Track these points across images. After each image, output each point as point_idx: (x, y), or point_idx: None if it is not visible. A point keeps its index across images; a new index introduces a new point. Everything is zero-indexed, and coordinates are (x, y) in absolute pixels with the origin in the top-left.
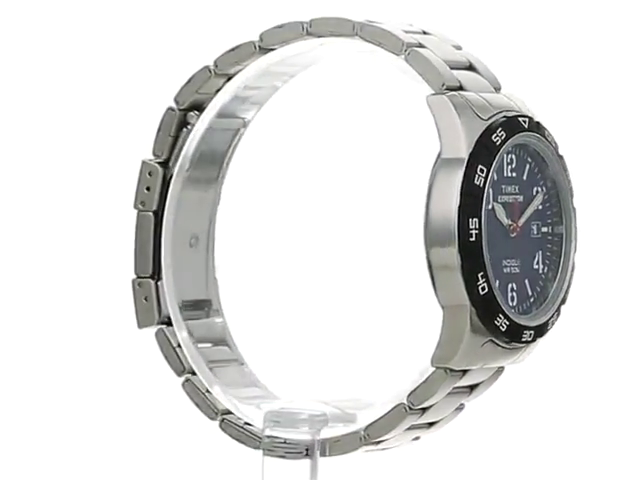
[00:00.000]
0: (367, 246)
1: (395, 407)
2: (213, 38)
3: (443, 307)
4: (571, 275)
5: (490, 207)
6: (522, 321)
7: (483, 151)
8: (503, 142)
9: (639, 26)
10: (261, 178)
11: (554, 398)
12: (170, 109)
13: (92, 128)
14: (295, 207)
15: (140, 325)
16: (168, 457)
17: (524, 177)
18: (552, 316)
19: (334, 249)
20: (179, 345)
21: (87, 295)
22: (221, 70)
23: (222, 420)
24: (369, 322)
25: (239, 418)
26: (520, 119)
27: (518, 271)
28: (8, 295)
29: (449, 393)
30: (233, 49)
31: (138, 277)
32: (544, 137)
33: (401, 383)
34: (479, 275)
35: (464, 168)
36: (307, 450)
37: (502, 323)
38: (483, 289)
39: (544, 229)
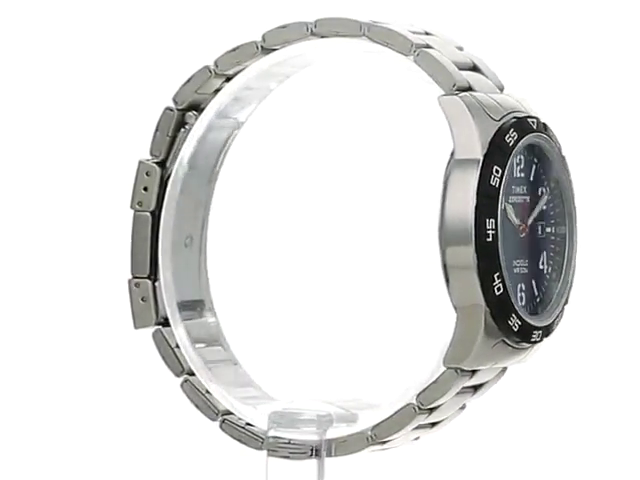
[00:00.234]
0: (373, 246)
1: (404, 407)
2: (204, 38)
3: (457, 307)
4: (573, 275)
5: (503, 207)
6: (532, 321)
7: (497, 152)
8: (515, 143)
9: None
10: (258, 178)
11: (552, 398)
12: (168, 109)
13: (85, 129)
14: (296, 208)
15: (137, 326)
16: (167, 459)
17: (531, 178)
18: (557, 316)
19: (339, 249)
20: (177, 345)
21: (78, 295)
22: (221, 70)
23: (223, 421)
24: (372, 321)
25: (240, 418)
26: (529, 120)
27: (526, 271)
28: (4, 296)
29: (457, 393)
30: (234, 49)
31: (135, 277)
32: (550, 138)
33: (408, 383)
34: (495, 275)
35: (479, 169)
36: (312, 450)
37: (515, 323)
38: (499, 289)
39: (548, 229)
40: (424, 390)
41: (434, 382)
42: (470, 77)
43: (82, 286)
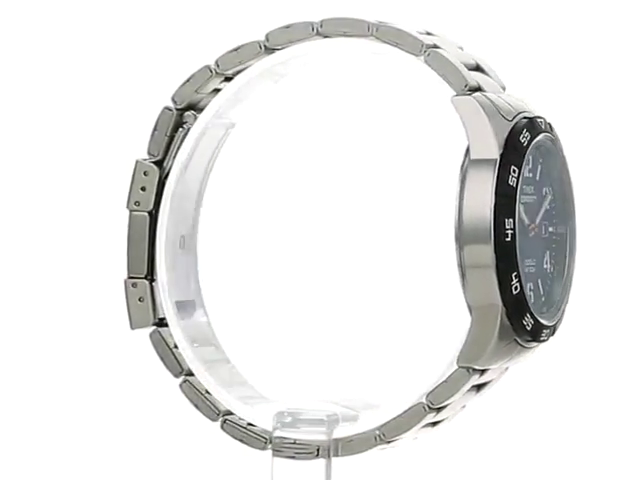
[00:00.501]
0: (378, 246)
1: (413, 406)
2: (195, 38)
3: (472, 307)
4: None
5: (518, 207)
6: (543, 320)
7: (513, 152)
8: (529, 143)
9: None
10: (252, 178)
11: (550, 397)
12: (167, 108)
13: (75, 128)
14: (304, 209)
15: (133, 326)
16: (167, 460)
17: (537, 177)
18: (561, 315)
19: (345, 248)
20: (175, 346)
21: (70, 297)
22: (223, 70)
23: (224, 421)
24: (378, 321)
25: (241, 419)
26: (538, 120)
27: (534, 271)
28: (1, 297)
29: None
30: (236, 49)
31: (131, 277)
32: (555, 138)
33: (416, 382)
34: (513, 275)
35: (497, 169)
36: (318, 450)
37: (528, 323)
38: (516, 289)
39: (550, 229)
40: (434, 389)
41: (445, 381)
42: (477, 77)
43: (73, 286)
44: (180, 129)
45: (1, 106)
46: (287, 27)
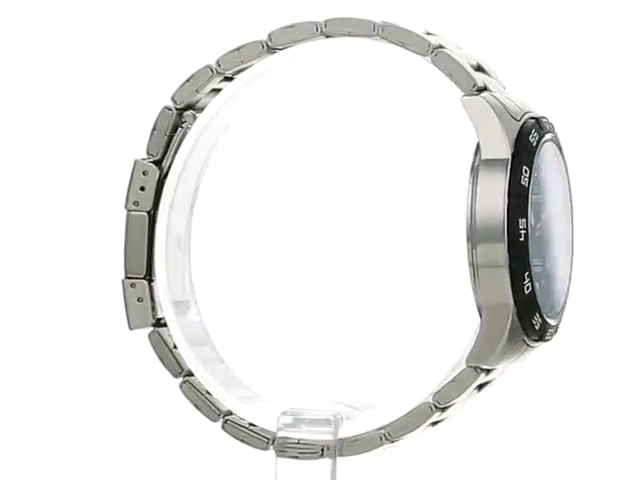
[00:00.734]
0: (381, 247)
1: (419, 406)
2: (188, 39)
3: (484, 306)
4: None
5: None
6: (549, 320)
7: (524, 152)
8: (537, 143)
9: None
10: (253, 178)
11: (547, 397)
12: (167, 108)
13: (74, 130)
14: (299, 210)
15: (132, 326)
16: (168, 462)
17: (542, 177)
18: (562, 315)
19: (349, 249)
20: (175, 346)
21: (65, 297)
22: (224, 70)
23: (225, 421)
24: (383, 320)
25: (242, 419)
26: (543, 120)
27: (540, 271)
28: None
29: None
30: (238, 48)
31: (130, 278)
32: (557, 137)
33: (422, 382)
34: (525, 274)
35: (509, 169)
36: (322, 450)
37: (537, 322)
38: (527, 288)
39: (552, 228)
40: (441, 389)
41: (452, 381)
42: (481, 77)
43: (68, 287)
44: (179, 129)
45: (1, 106)
46: (290, 27)
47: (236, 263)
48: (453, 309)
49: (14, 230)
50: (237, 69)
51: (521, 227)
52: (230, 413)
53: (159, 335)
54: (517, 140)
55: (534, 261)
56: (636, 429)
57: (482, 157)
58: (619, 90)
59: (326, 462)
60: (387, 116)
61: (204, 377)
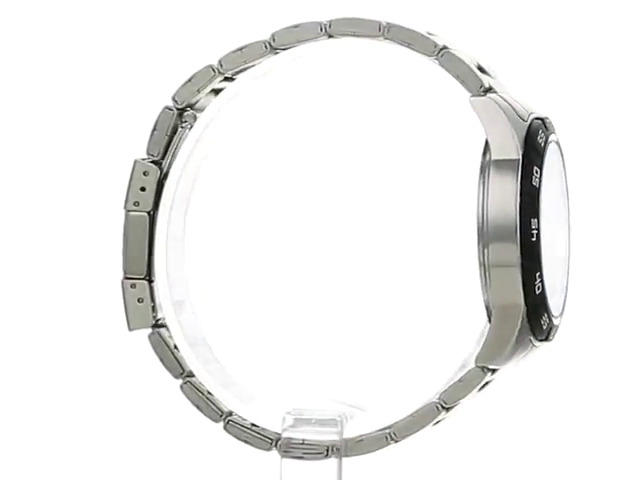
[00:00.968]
0: (383, 247)
1: (426, 406)
2: (191, 38)
3: (494, 306)
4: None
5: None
6: (554, 320)
7: (533, 152)
8: (545, 143)
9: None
10: (256, 178)
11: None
12: (168, 108)
13: (73, 130)
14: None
15: (131, 327)
16: (170, 464)
17: (546, 177)
18: (563, 315)
19: (347, 249)
20: (175, 347)
21: (63, 298)
22: (226, 70)
23: (227, 422)
24: (389, 319)
25: (245, 419)
26: (546, 121)
27: (546, 271)
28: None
29: None
30: (241, 48)
31: (129, 278)
32: (558, 138)
33: (428, 382)
34: (537, 274)
35: (520, 169)
36: (327, 450)
37: (545, 322)
38: (538, 288)
39: (554, 228)
40: (448, 389)
41: (459, 381)
42: (485, 78)
43: (65, 288)
44: (180, 129)
45: (1, 106)
46: (295, 27)
47: (240, 263)
48: (459, 309)
49: (14, 230)
50: (240, 69)
51: (533, 227)
52: (232, 414)
53: (159, 336)
54: (526, 140)
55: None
56: (634, 429)
57: (493, 158)
58: (614, 90)
59: (331, 462)
60: (392, 117)
61: (205, 377)
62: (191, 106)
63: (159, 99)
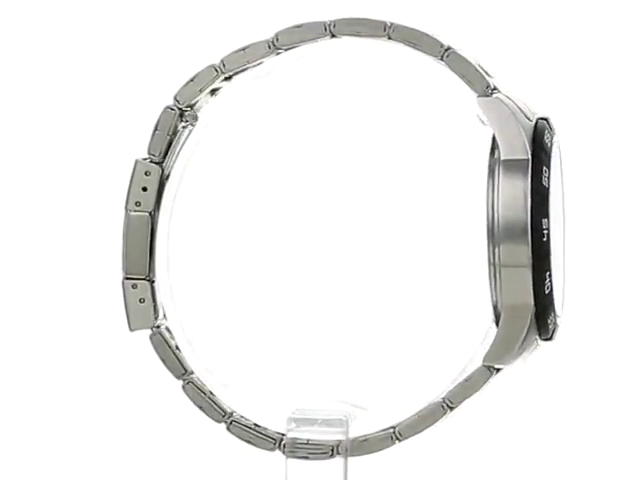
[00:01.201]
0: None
1: (431, 405)
2: (190, 38)
3: (503, 305)
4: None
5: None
6: (557, 320)
7: (541, 152)
8: (551, 143)
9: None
10: (257, 179)
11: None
12: (169, 108)
13: (74, 130)
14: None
15: (132, 328)
16: (173, 466)
17: (551, 177)
18: (562, 315)
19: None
20: (177, 347)
21: (62, 299)
22: (228, 70)
23: (230, 422)
24: (393, 318)
25: (248, 419)
26: (549, 121)
27: (552, 272)
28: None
29: None
30: (244, 48)
31: (131, 279)
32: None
33: (433, 382)
34: (547, 274)
35: (530, 169)
36: (332, 450)
37: (551, 322)
38: (548, 288)
39: (555, 229)
40: (454, 388)
41: (466, 380)
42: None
43: (64, 288)
44: (182, 129)
45: (3, 105)
46: (298, 27)
47: (243, 262)
48: (464, 309)
49: (15, 231)
50: (242, 69)
51: (544, 227)
52: (235, 414)
53: (161, 336)
54: (534, 140)
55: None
56: (632, 428)
57: (502, 158)
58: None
59: (337, 462)
60: (397, 117)
61: (207, 378)
62: (193, 106)
63: (161, 99)
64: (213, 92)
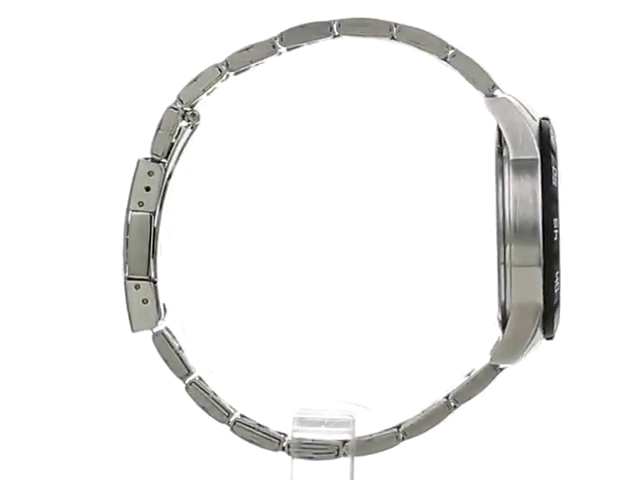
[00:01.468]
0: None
1: (437, 405)
2: (189, 38)
3: (513, 305)
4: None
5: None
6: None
7: (549, 152)
8: (556, 143)
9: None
10: (260, 179)
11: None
12: (172, 108)
13: (75, 130)
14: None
15: (135, 329)
16: (175, 467)
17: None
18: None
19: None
20: (180, 348)
21: (61, 300)
22: (232, 69)
23: (234, 423)
24: (397, 317)
25: (252, 420)
26: (551, 121)
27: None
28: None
29: None
30: (248, 48)
31: (133, 279)
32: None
33: (437, 381)
34: (557, 274)
35: (540, 169)
36: (338, 450)
37: (556, 321)
38: (557, 287)
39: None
40: (460, 387)
41: (472, 380)
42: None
43: (63, 289)
44: (184, 129)
45: (6, 104)
46: (303, 26)
47: (247, 262)
48: (469, 309)
49: (17, 231)
50: (245, 69)
51: (555, 227)
52: (240, 414)
53: (164, 337)
54: (541, 140)
55: None
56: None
57: (511, 157)
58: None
59: (343, 462)
60: (402, 117)
61: (210, 378)
62: (196, 106)
63: (164, 98)
64: (216, 92)
